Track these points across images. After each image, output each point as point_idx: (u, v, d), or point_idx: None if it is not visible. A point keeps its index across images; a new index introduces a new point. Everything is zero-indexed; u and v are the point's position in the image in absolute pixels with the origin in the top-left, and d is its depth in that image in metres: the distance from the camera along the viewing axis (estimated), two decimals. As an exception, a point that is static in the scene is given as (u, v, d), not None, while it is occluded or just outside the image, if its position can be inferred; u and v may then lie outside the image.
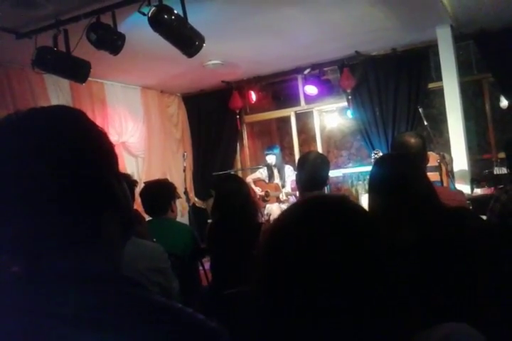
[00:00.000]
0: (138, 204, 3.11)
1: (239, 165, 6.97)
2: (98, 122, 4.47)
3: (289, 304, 0.75)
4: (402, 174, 1.58)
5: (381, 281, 0.76)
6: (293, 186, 5.45)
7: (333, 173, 5.55)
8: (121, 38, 3.55)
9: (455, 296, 1.34)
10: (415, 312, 0.82)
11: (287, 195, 5.62)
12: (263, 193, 5.75)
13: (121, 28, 3.55)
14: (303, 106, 6.58)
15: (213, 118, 6.81)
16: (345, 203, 0.84)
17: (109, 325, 0.61)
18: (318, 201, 0.86)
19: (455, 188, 4.10)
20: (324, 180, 2.63)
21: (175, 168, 6.54)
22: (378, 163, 1.72)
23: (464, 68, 5.33)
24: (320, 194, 2.52)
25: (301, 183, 2.64)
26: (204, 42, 3.44)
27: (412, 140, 2.41)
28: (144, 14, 3.18)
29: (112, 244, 0.73)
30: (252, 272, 0.80)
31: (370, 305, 0.74)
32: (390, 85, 5.56)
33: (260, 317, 0.79)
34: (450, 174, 4.16)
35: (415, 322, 0.79)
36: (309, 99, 6.40)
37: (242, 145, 7.06)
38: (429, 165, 2.68)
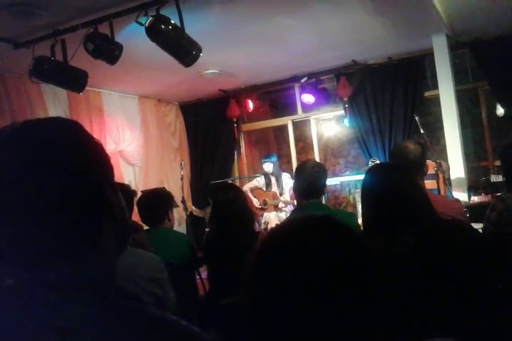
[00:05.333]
0: (135, 214, 3.10)
1: (236, 174, 6.98)
2: (95, 131, 4.46)
3: (271, 315, 0.77)
4: (394, 183, 1.58)
5: (365, 294, 0.77)
6: (292, 194, 5.45)
7: (330, 181, 5.56)
8: (119, 47, 3.57)
9: (452, 305, 1.34)
10: (402, 325, 0.83)
11: (285, 203, 5.61)
12: (261, 202, 5.75)
13: (119, 38, 3.58)
14: (300, 115, 6.60)
15: (211, 127, 6.82)
16: (331, 222, 0.86)
17: (104, 337, 0.61)
18: (306, 220, 0.88)
19: (452, 196, 4.11)
20: (321, 188, 2.63)
21: (172, 176, 6.54)
22: (370, 171, 1.71)
23: (459, 76, 5.37)
24: (313, 206, 2.52)
25: (299, 192, 2.64)
26: (201, 52, 3.46)
27: (411, 146, 2.42)
28: (141, 24, 3.21)
29: (107, 254, 0.73)
30: (241, 281, 0.82)
31: (353, 318, 0.75)
32: (387, 93, 5.59)
33: (247, 324, 0.81)
34: (447, 182, 4.18)
35: (403, 335, 0.79)
36: (306, 108, 6.42)
37: (239, 153, 7.07)
38: (425, 173, 2.68)
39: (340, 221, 0.86)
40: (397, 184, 1.57)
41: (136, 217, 3.03)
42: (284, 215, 5.54)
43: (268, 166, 5.66)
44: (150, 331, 0.63)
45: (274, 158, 5.77)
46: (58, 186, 0.66)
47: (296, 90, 6.35)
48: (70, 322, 0.61)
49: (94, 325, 0.61)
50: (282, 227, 0.90)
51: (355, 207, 5.96)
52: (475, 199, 4.71)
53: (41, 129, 0.71)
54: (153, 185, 5.50)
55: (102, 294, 0.67)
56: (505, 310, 1.39)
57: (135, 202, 2.81)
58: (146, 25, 3.17)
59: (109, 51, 3.53)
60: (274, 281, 0.78)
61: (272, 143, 7.97)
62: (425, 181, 2.56)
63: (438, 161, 4.04)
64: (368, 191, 1.63)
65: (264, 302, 0.79)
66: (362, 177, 1.74)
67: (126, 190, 2.34)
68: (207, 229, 3.33)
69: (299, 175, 2.66)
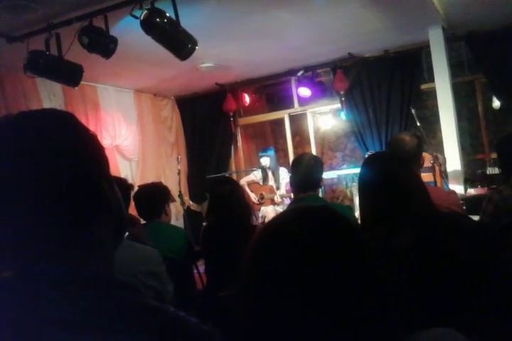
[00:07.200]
0: (133, 208, 3.10)
1: (233, 168, 6.97)
2: (91, 126, 4.44)
3: (268, 307, 0.77)
4: (389, 172, 1.58)
5: (363, 287, 0.77)
6: (287, 188, 5.46)
7: (327, 175, 5.56)
8: (114, 41, 3.54)
9: (452, 297, 1.34)
10: (402, 317, 0.83)
11: (282, 196, 5.62)
12: (258, 197, 5.75)
13: (114, 32, 3.55)
14: (296, 109, 6.59)
15: (207, 121, 6.81)
16: (328, 212, 0.86)
17: (105, 329, 0.61)
18: (303, 210, 0.88)
19: (448, 188, 4.13)
20: (318, 181, 2.63)
21: (169, 171, 6.53)
22: (366, 162, 1.71)
23: (456, 69, 5.37)
24: (310, 200, 2.52)
25: (295, 185, 2.65)
26: (196, 45, 3.45)
27: (408, 138, 2.44)
28: (136, 17, 3.19)
29: (104, 247, 0.73)
30: (238, 275, 0.82)
31: (351, 310, 0.75)
32: (383, 87, 5.59)
33: (241, 318, 0.81)
34: (443, 174, 4.19)
35: (402, 327, 0.80)
36: (303, 101, 6.41)
37: (236, 147, 7.06)
38: (422, 165, 2.69)
39: (337, 211, 0.86)
40: (393, 175, 1.57)
41: (133, 211, 3.03)
42: (281, 209, 5.54)
43: (265, 160, 5.64)
44: (149, 322, 0.63)
45: (272, 152, 5.75)
46: (53, 179, 0.65)
47: (293, 84, 6.33)
48: (69, 315, 0.61)
49: (94, 317, 0.61)
50: (279, 219, 0.89)
51: (352, 200, 5.97)
52: (471, 191, 4.72)
53: (35, 121, 0.71)
54: (150, 179, 5.47)
55: (101, 286, 0.67)
56: (504, 301, 1.40)
57: (132, 196, 2.81)
58: (141, 18, 3.16)
59: (104, 45, 3.51)
60: (271, 273, 0.78)
61: (269, 137, 7.96)
62: (422, 174, 2.57)
63: (434, 154, 4.04)
64: (364, 183, 1.63)
65: (260, 295, 0.79)
66: (359, 170, 1.72)
67: (122, 184, 2.34)
68: (204, 224, 3.34)
69: (295, 169, 2.66)
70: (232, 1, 3.68)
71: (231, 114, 6.65)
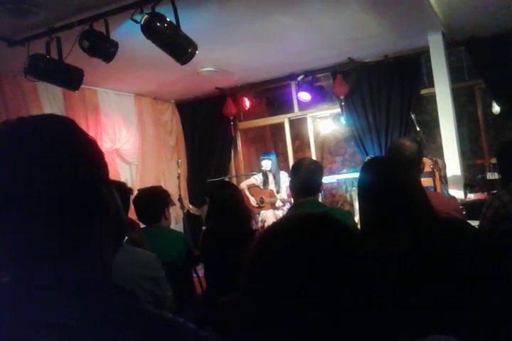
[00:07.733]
0: (132, 212, 3.09)
1: (233, 172, 6.97)
2: (91, 129, 4.43)
3: (266, 313, 0.77)
4: (389, 176, 1.57)
5: (362, 291, 0.77)
6: (288, 192, 5.45)
7: (327, 179, 5.56)
8: (114, 45, 3.55)
9: (451, 303, 1.34)
10: (402, 320, 0.83)
11: (283, 201, 5.61)
12: (258, 201, 5.74)
13: (114, 36, 3.56)
14: (296, 113, 6.60)
15: (207, 125, 6.82)
16: (328, 220, 0.86)
17: (103, 335, 0.61)
18: (303, 216, 0.88)
19: (448, 193, 4.12)
20: (318, 186, 2.63)
21: (169, 175, 6.53)
22: (365, 167, 1.70)
23: (455, 74, 5.38)
24: (309, 205, 2.52)
25: (295, 190, 2.64)
26: (197, 50, 3.45)
27: (408, 143, 2.44)
28: (136, 22, 3.19)
29: (102, 252, 0.73)
30: (238, 279, 0.82)
31: (351, 313, 0.75)
32: (383, 91, 5.59)
33: (240, 321, 0.81)
34: (443, 179, 4.19)
35: (401, 331, 0.80)
36: (303, 106, 6.42)
37: (236, 151, 7.07)
38: (422, 170, 2.69)
39: (337, 219, 0.86)
40: (392, 180, 1.56)
41: (133, 215, 3.02)
42: (281, 213, 5.54)
43: (267, 163, 5.65)
44: (147, 328, 0.63)
45: (273, 156, 5.76)
46: (52, 183, 0.65)
47: (293, 88, 6.35)
48: (69, 319, 0.61)
49: (93, 323, 0.61)
50: (279, 225, 0.89)
51: (352, 204, 5.96)
52: (471, 196, 4.72)
53: (35, 126, 0.71)
54: (149, 183, 5.48)
55: (100, 292, 0.67)
56: (503, 307, 1.39)
57: (131, 200, 2.81)
58: (142, 22, 3.16)
59: (104, 49, 3.52)
60: (271, 279, 0.78)
61: (269, 141, 7.97)
62: (422, 179, 2.57)
63: (434, 159, 4.05)
64: (363, 188, 1.62)
65: (261, 301, 0.78)
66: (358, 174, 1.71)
67: (121, 188, 2.34)
68: (204, 228, 3.33)
69: (295, 174, 2.66)
70: (233, 5, 3.69)
71: (231, 118, 6.66)
